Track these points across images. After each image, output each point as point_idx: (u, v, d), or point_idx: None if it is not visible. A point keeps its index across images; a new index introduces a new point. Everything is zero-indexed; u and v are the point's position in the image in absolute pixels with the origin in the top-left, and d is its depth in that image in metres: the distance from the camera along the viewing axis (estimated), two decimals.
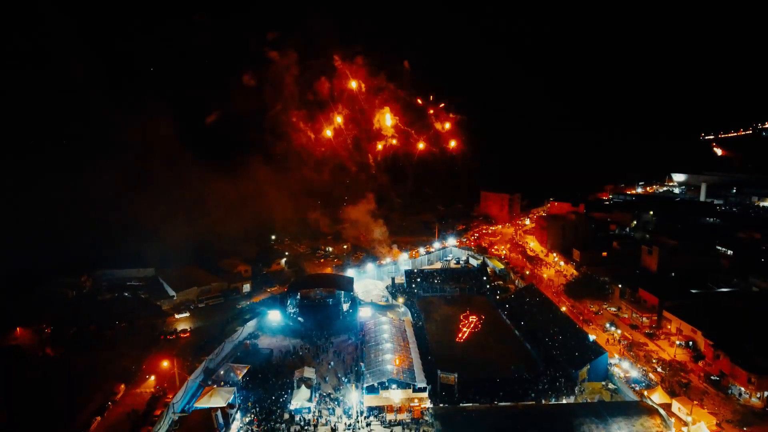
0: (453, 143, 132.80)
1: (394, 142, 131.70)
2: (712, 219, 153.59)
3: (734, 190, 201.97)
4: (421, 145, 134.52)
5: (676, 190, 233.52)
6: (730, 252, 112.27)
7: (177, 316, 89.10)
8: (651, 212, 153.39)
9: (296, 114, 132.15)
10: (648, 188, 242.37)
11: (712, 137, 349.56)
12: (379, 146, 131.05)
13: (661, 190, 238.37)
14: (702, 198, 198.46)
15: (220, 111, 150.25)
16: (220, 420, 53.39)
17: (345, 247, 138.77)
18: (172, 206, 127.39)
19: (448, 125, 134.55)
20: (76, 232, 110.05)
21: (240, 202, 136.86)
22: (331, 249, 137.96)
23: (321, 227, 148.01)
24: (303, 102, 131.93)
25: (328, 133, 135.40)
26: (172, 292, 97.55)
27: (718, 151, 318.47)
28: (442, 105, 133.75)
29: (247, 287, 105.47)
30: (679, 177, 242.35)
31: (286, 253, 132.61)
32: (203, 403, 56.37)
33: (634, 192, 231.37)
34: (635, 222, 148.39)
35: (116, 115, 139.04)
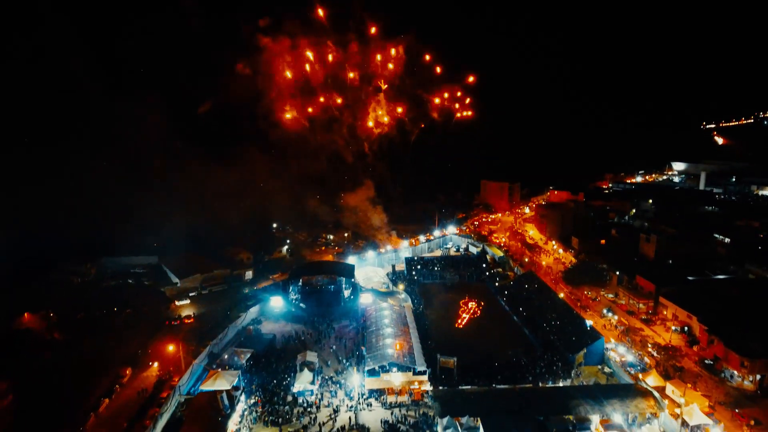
0: (467, 110, 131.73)
1: (386, 119, 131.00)
2: (710, 207, 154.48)
3: (733, 179, 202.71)
4: (422, 126, 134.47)
5: (676, 179, 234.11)
6: (727, 240, 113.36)
7: (177, 303, 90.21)
8: (650, 201, 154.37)
9: (290, 102, 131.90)
10: (648, 177, 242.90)
11: (713, 126, 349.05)
12: (370, 123, 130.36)
13: (660, 179, 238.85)
14: (701, 187, 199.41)
15: (213, 100, 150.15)
16: (226, 402, 54.95)
17: (346, 235, 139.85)
18: (171, 195, 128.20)
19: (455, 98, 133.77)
20: (77, 221, 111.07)
21: (238, 191, 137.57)
22: (332, 237, 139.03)
23: (320, 215, 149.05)
24: (297, 89, 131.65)
25: (323, 120, 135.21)
26: (175, 279, 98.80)
27: (719, 140, 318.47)
28: (444, 92, 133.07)
29: (249, 274, 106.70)
30: (679, 166, 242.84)
31: (288, 241, 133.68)
32: (208, 386, 57.86)
33: (633, 181, 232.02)
34: (634, 210, 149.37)
35: (112, 106, 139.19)
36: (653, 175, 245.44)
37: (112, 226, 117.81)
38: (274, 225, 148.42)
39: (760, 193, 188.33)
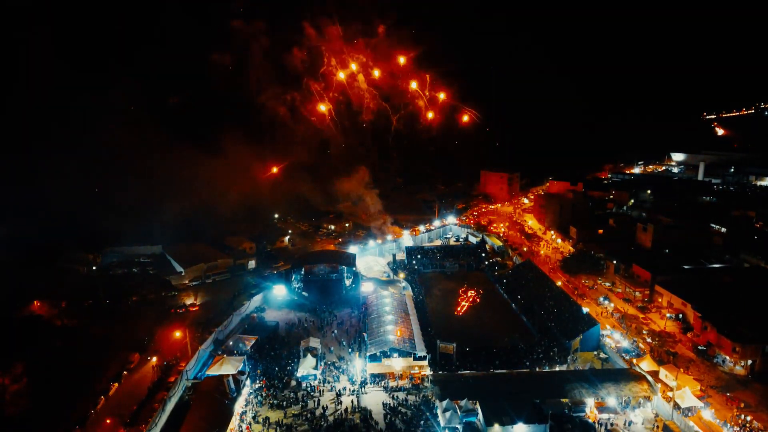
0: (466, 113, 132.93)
1: (369, 106, 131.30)
2: (708, 198, 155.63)
3: (732, 170, 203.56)
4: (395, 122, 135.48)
5: (675, 170, 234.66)
6: (723, 229, 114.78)
7: (181, 291, 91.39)
8: (648, 191, 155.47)
9: (273, 89, 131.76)
10: (647, 168, 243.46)
11: (714, 117, 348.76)
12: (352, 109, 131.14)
13: (659, 170, 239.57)
14: (700, 177, 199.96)
15: (190, 89, 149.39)
16: (232, 386, 56.67)
17: (347, 225, 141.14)
18: (165, 186, 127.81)
19: (443, 95, 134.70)
20: (76, 211, 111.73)
21: (231, 180, 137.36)
22: (333, 227, 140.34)
23: (316, 203, 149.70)
24: (278, 77, 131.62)
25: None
26: (179, 269, 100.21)
27: (719, 131, 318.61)
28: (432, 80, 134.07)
29: (252, 264, 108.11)
30: (678, 156, 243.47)
31: (290, 231, 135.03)
32: (214, 371, 59.48)
33: (632, 171, 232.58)
34: (632, 200, 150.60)
35: (94, 96, 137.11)
36: (652, 166, 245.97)
37: (109, 217, 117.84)
38: (276, 215, 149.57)
39: (758, 183, 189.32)
